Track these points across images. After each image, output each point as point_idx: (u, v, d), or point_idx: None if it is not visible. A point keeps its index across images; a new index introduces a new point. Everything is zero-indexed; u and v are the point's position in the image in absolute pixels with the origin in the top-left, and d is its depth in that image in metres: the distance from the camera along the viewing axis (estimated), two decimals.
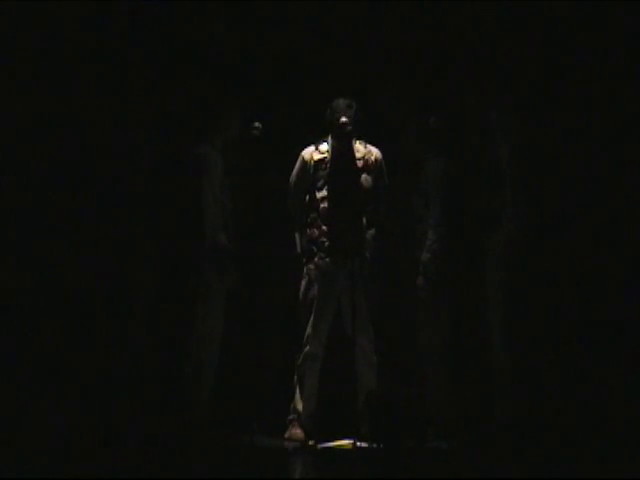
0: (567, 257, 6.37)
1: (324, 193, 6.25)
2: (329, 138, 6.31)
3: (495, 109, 6.17)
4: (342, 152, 6.27)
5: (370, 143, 6.36)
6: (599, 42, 6.42)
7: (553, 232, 6.35)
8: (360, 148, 6.32)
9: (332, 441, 6.04)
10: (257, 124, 6.24)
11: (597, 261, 6.33)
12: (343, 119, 6.18)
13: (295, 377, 6.27)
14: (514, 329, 6.02)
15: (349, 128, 6.17)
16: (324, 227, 6.24)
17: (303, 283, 6.28)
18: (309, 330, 6.22)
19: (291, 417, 6.27)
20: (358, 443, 5.69)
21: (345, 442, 5.97)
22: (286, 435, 6.24)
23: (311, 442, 6.06)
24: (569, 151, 6.44)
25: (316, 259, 6.24)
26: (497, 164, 6.08)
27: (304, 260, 6.29)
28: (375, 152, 6.35)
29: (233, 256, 6.26)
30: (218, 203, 6.20)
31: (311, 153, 6.32)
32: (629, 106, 6.34)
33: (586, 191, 6.40)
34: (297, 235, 6.34)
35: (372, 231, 6.28)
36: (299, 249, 6.32)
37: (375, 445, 5.66)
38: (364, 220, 6.25)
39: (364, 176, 6.27)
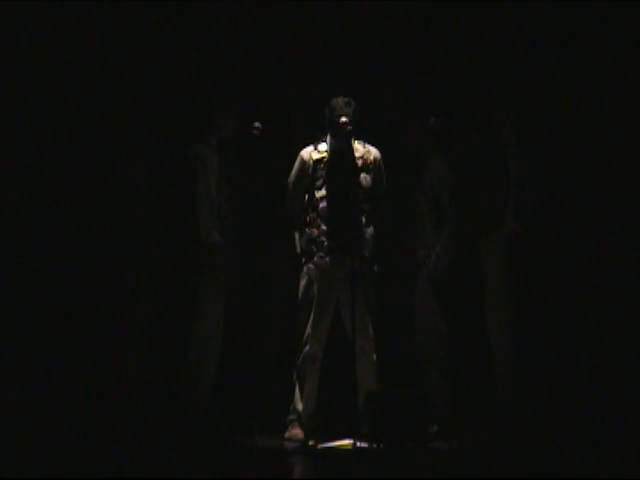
0: (568, 257, 6.37)
1: (323, 192, 6.24)
2: (328, 137, 6.30)
3: (502, 109, 6.15)
4: (341, 151, 6.25)
5: (369, 143, 6.35)
6: (604, 42, 6.42)
7: (554, 232, 6.35)
8: (359, 147, 6.31)
9: (332, 441, 6.03)
10: (257, 124, 6.24)
11: (597, 261, 6.33)
12: (343, 119, 6.16)
13: (295, 377, 6.26)
14: (515, 329, 6.02)
15: (349, 128, 6.16)
16: (323, 226, 6.23)
17: (303, 283, 6.26)
18: (309, 330, 6.21)
19: (291, 417, 6.27)
20: (358, 443, 5.68)
21: (345, 442, 5.96)
22: (286, 435, 6.23)
23: (311, 442, 6.05)
24: (571, 151, 6.44)
25: (315, 258, 6.23)
26: (502, 164, 6.06)
27: (304, 260, 6.28)
28: (374, 152, 6.34)
29: (228, 255, 6.25)
30: (213, 202, 6.20)
31: (310, 153, 6.31)
32: (632, 106, 6.34)
33: (587, 191, 6.40)
34: (296, 235, 6.33)
35: (371, 230, 6.27)
36: (298, 249, 6.31)
37: (375, 445, 5.65)
38: (363, 219, 6.24)
39: (363, 175, 6.26)
